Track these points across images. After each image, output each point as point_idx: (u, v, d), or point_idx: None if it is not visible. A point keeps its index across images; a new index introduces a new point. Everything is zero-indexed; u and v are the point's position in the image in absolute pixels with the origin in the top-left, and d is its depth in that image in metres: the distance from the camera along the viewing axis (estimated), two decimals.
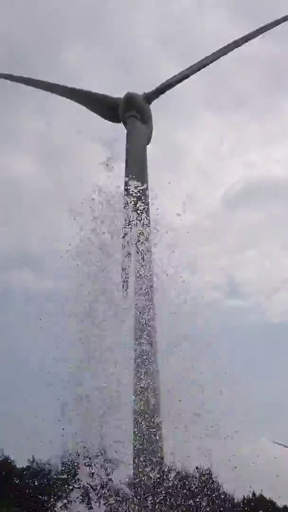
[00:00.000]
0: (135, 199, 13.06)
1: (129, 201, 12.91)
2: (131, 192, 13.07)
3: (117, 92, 23.21)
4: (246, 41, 21.94)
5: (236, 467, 10.49)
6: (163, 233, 13.16)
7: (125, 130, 21.53)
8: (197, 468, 13.26)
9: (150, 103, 22.02)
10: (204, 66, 22.04)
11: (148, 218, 13.40)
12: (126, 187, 13.36)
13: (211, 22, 77.88)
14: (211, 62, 21.96)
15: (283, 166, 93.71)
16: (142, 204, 13.27)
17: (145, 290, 13.03)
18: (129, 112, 21.13)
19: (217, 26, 77.34)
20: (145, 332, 12.70)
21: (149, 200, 14.05)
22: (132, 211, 12.87)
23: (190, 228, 13.46)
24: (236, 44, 22.01)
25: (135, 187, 13.13)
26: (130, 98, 21.32)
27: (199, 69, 22.03)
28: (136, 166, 16.80)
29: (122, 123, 21.80)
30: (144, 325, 12.79)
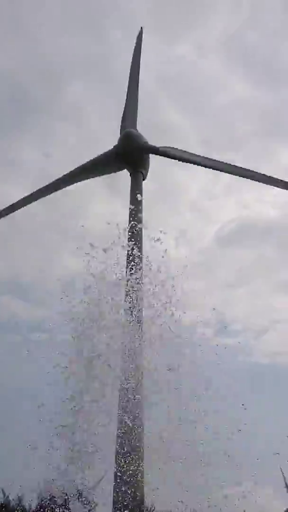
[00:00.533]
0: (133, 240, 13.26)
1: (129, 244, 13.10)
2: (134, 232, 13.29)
3: (115, 126, 23.98)
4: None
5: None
6: (155, 268, 13.19)
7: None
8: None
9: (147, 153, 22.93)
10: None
11: (140, 253, 13.49)
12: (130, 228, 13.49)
13: (208, 65, 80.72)
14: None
15: (275, 208, 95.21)
16: (136, 242, 13.43)
17: (133, 326, 12.94)
18: (117, 146, 22.10)
19: (213, 70, 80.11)
20: (131, 372, 12.50)
21: (143, 236, 14.19)
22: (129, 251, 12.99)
23: (183, 263, 13.50)
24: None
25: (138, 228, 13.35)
26: (126, 138, 22.20)
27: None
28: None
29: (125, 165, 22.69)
30: (132, 362, 12.61)
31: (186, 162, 22.98)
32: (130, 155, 22.23)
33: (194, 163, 22.79)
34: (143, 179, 22.90)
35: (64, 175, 23.58)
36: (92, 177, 24.01)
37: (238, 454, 11.47)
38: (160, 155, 22.85)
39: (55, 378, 11.31)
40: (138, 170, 22.50)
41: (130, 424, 12.02)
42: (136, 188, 22.06)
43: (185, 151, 23.02)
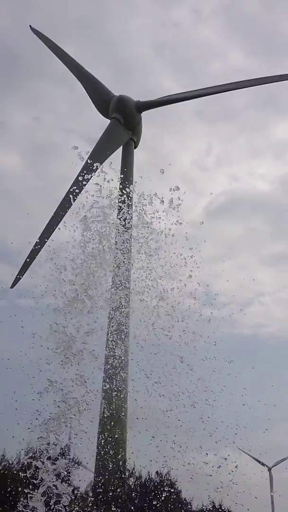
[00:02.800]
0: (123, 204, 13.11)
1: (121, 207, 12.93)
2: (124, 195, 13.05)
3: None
4: (242, 87, 23.18)
5: (191, 477, 10.59)
6: (143, 239, 13.20)
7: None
8: (157, 473, 13.33)
9: (141, 112, 22.42)
10: (199, 96, 23.12)
11: (130, 222, 13.46)
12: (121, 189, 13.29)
13: (205, 31, 78.74)
14: (208, 95, 23.06)
15: (265, 182, 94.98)
16: (126, 208, 13.32)
17: (121, 294, 13.05)
18: (115, 114, 21.48)
19: (211, 36, 78.21)
20: (118, 335, 12.71)
21: (133, 204, 14.12)
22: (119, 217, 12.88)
23: (172, 235, 13.54)
24: (235, 85, 23.04)
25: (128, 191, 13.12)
26: (120, 101, 21.62)
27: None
28: (97, 159, 16.88)
29: (109, 119, 22.18)
30: (119, 327, 12.80)
31: (184, 100, 22.93)
32: (128, 120, 21.79)
33: (192, 97, 22.76)
34: (135, 147, 22.60)
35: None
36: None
37: (217, 422, 11.83)
38: (157, 106, 22.58)
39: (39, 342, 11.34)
40: (130, 138, 22.14)
41: (114, 386, 12.35)
42: (127, 156, 21.77)
43: (178, 93, 22.96)
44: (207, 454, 11.25)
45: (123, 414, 13.03)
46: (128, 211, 13.45)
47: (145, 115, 23.10)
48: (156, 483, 12.94)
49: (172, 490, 12.81)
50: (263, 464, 47.83)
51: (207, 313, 13.45)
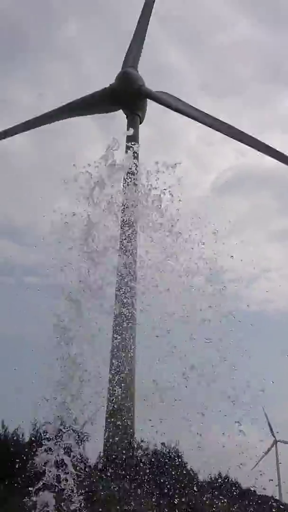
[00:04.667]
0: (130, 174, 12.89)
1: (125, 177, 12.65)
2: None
3: (112, 70, 23.16)
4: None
5: (199, 448, 10.81)
6: (149, 214, 13.14)
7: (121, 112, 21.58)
8: (163, 444, 13.62)
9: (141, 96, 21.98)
10: (197, 120, 21.67)
11: (135, 197, 13.36)
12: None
13: (211, 2, 76.81)
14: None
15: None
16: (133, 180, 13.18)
17: (127, 271, 13.08)
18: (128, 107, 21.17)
19: (216, 7, 76.37)
20: (125, 310, 12.79)
21: (139, 179, 13.98)
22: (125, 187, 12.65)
23: (178, 211, 13.47)
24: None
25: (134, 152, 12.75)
26: (124, 79, 21.29)
27: (193, 118, 21.68)
28: None
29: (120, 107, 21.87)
30: (125, 304, 12.89)
31: (180, 113, 21.89)
32: (127, 96, 21.47)
33: (189, 116, 21.62)
34: (140, 122, 22.29)
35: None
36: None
37: (223, 394, 11.99)
38: (152, 99, 22.10)
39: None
40: (135, 112, 21.80)
41: (121, 367, 12.52)
42: (133, 132, 21.39)
43: (179, 100, 21.98)
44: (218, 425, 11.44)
45: (130, 382, 13.31)
46: (134, 185, 13.33)
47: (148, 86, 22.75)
48: (163, 454, 13.26)
49: (179, 461, 13.12)
50: (272, 434, 48.22)
51: (213, 289, 13.47)
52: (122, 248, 12.85)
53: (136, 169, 12.40)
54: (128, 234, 13.06)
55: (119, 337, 12.99)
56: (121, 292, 12.58)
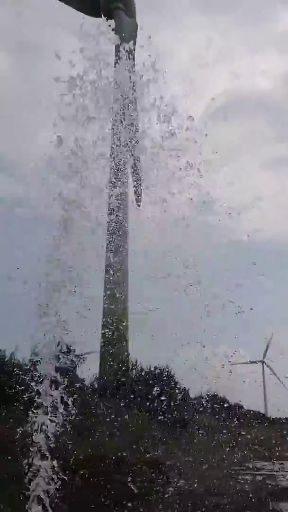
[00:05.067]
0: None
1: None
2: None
3: None
4: None
5: (195, 369, 11.36)
6: (141, 143, 12.83)
7: (107, 24, 19.96)
8: (156, 367, 14.39)
9: None
10: None
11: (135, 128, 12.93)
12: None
13: None
14: None
15: (267, 79, 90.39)
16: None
17: (118, 201, 12.99)
18: (115, 4, 19.64)
19: None
20: (118, 239, 12.84)
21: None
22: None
23: (169, 140, 13.14)
24: None
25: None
26: None
27: None
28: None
29: (103, 16, 20.28)
30: (117, 234, 12.97)
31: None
32: None
33: None
34: (132, 17, 20.39)
35: None
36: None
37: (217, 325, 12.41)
38: None
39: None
40: (117, 6, 19.82)
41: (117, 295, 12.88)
42: (124, 27, 19.62)
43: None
44: (204, 346, 11.92)
45: (123, 308, 13.77)
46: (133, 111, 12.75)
47: (137, 2, 21.14)
48: (156, 375, 14.02)
49: (171, 381, 13.90)
50: (256, 362, 51.20)
51: (204, 220, 13.48)
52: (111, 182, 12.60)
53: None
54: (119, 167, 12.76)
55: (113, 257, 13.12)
56: (112, 221, 12.54)
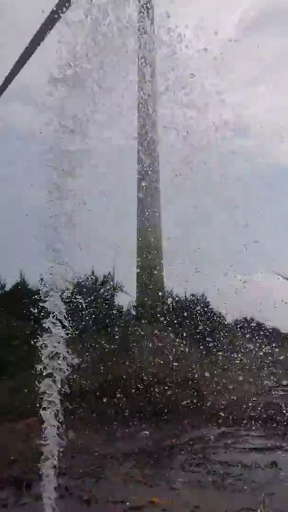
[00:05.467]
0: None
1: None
2: None
3: None
4: None
5: (227, 293, 11.46)
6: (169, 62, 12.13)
7: None
8: (192, 295, 14.64)
9: None
10: None
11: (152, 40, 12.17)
12: None
13: None
14: None
15: None
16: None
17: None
18: None
19: None
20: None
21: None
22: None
23: (199, 58, 12.39)
24: None
25: None
26: None
27: None
28: None
29: None
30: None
31: None
32: None
33: None
34: None
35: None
36: None
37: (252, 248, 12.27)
38: None
39: None
40: None
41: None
42: None
43: None
44: (235, 276, 11.93)
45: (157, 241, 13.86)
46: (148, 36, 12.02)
47: None
48: (192, 302, 14.29)
49: (207, 307, 14.14)
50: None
51: (238, 144, 12.97)
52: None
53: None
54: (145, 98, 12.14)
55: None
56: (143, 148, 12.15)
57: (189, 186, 12.96)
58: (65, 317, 5.09)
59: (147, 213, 14.29)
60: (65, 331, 5.02)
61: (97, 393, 9.70)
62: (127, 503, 5.78)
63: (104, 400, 9.35)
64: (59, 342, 4.99)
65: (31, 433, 7.81)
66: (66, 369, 4.96)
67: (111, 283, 15.16)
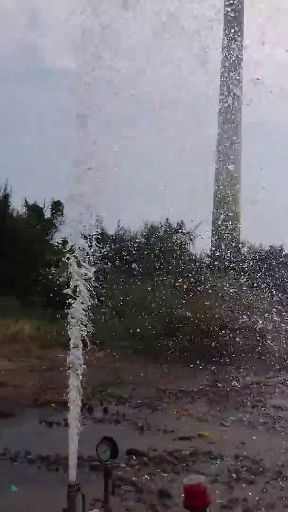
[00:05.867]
0: None
1: None
2: None
3: None
4: None
5: None
6: None
7: None
8: (270, 246, 14.26)
9: None
10: None
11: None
12: None
13: None
14: None
15: None
16: None
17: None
18: None
19: None
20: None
21: None
22: None
23: None
24: None
25: None
26: None
27: None
28: None
29: None
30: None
31: None
32: None
33: None
34: None
35: None
36: None
37: None
38: None
39: None
40: None
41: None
42: None
43: None
44: None
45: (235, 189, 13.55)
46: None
47: None
48: (267, 252, 13.98)
49: (283, 259, 13.73)
50: None
51: None
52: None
53: None
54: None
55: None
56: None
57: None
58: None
59: (227, 163, 13.94)
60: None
61: (163, 333, 10.18)
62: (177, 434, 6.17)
63: (169, 340, 9.79)
64: None
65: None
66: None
67: (184, 230, 15.24)
